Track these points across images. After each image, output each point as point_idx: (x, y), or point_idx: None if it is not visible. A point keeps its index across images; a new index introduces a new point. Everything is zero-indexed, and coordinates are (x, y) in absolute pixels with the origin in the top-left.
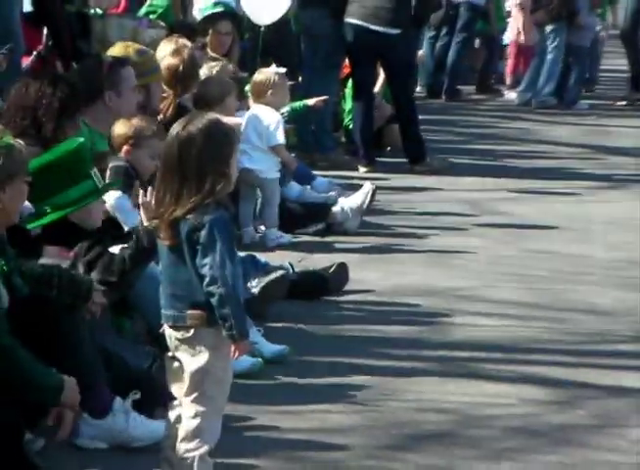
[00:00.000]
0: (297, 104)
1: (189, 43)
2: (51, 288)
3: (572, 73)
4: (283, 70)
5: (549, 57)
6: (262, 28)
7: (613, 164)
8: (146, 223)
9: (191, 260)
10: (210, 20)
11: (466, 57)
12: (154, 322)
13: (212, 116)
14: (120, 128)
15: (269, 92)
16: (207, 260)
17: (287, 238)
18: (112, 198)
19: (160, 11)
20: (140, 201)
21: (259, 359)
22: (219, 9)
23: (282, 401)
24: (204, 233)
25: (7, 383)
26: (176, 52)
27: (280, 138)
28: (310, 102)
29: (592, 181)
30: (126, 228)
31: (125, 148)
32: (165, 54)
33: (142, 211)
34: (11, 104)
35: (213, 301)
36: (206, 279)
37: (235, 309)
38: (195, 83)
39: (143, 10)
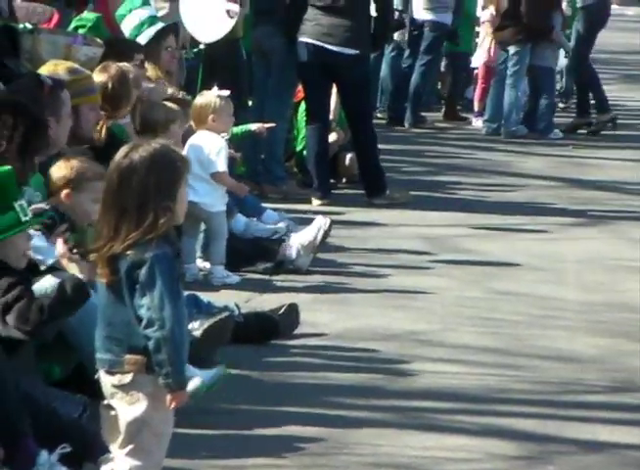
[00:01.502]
0: (239, 129)
1: (120, 64)
2: None
3: (542, 99)
4: (226, 92)
5: (508, 82)
6: (202, 46)
7: (587, 199)
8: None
9: (130, 300)
10: (157, 37)
11: (430, 81)
12: (90, 365)
13: (161, 142)
14: (59, 171)
15: (210, 117)
16: (146, 301)
17: (235, 278)
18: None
19: (89, 24)
20: (61, 250)
21: (202, 380)
22: (160, 24)
23: (225, 455)
24: (144, 271)
25: None
26: (103, 69)
27: (220, 165)
28: (253, 127)
29: (564, 217)
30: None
31: (65, 192)
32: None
33: (64, 261)
34: None
35: (150, 345)
36: (144, 321)
37: (172, 355)
38: (127, 104)
39: (72, 24)
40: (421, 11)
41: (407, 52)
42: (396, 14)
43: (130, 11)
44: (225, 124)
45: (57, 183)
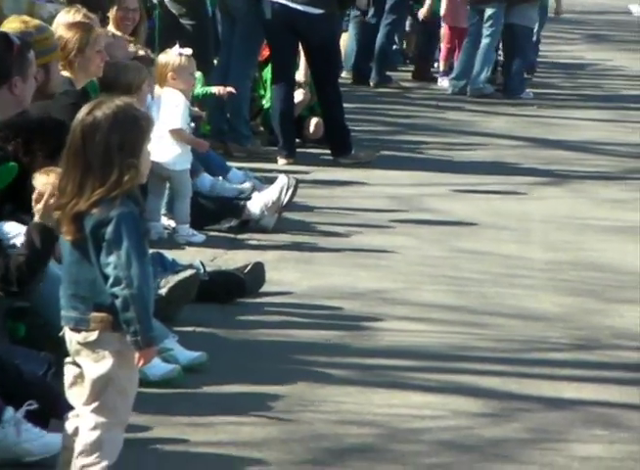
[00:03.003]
0: (200, 90)
1: (91, 15)
2: None
3: (515, 59)
4: (188, 51)
5: (485, 41)
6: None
7: (553, 159)
8: (37, 219)
9: (96, 259)
10: None
11: (395, 40)
12: (54, 324)
13: (124, 100)
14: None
15: (170, 74)
16: (112, 259)
17: (200, 237)
18: None
19: None
20: (34, 195)
21: (177, 366)
22: None
23: (190, 412)
24: (109, 229)
25: None
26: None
27: (178, 121)
28: (214, 89)
29: (530, 177)
30: None
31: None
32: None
33: (35, 206)
34: None
35: (117, 303)
36: (110, 279)
37: (141, 313)
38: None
39: None
40: None
41: (372, 10)
42: None
43: None
44: (185, 83)
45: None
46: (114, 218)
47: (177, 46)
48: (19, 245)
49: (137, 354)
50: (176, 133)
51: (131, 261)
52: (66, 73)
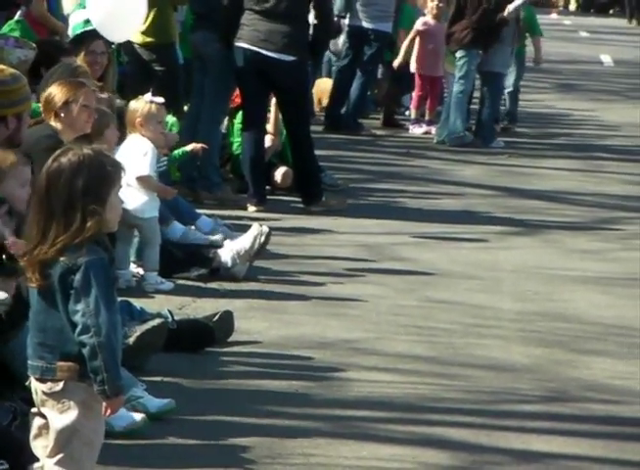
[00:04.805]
0: (177, 152)
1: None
2: None
3: (486, 107)
4: (160, 99)
5: (454, 88)
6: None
7: (522, 208)
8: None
9: (63, 306)
10: (82, 39)
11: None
12: (21, 374)
13: (94, 147)
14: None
15: (138, 120)
16: (81, 307)
17: (168, 285)
18: None
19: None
20: (9, 242)
21: (143, 416)
22: (91, 26)
23: (158, 464)
24: (78, 276)
25: None
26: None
27: (145, 168)
28: (188, 148)
29: (500, 226)
30: None
31: None
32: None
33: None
34: None
35: (85, 352)
36: (79, 327)
37: (108, 362)
38: None
39: (3, 29)
40: (363, 19)
41: (346, 58)
42: (335, 19)
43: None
44: (152, 131)
45: None
46: (83, 265)
47: (149, 94)
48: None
49: (104, 404)
50: (144, 180)
51: (100, 309)
52: (54, 124)
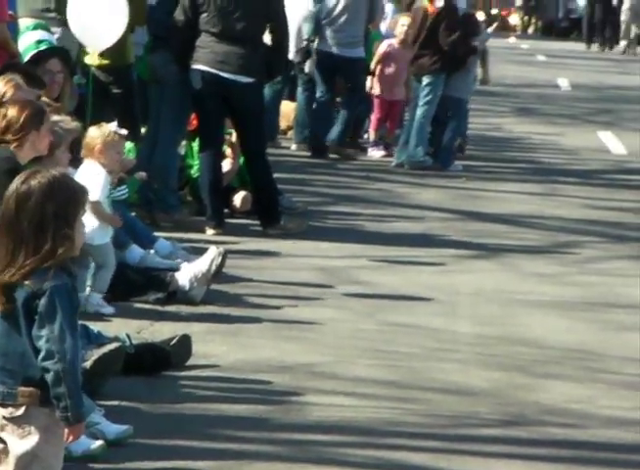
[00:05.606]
0: (131, 180)
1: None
2: None
3: (447, 131)
4: (123, 131)
5: (418, 112)
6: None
7: (481, 232)
8: None
9: (27, 331)
10: (38, 59)
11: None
12: None
13: (60, 170)
14: None
15: (97, 147)
16: (45, 332)
17: (109, 309)
18: None
19: None
20: None
21: (102, 442)
22: (44, 46)
23: None
24: (43, 301)
25: None
26: None
27: (96, 193)
28: (137, 176)
29: (459, 249)
30: None
31: None
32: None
33: None
34: None
35: (48, 377)
36: (42, 353)
37: (72, 389)
38: None
39: None
40: (333, 45)
41: (322, 87)
42: (304, 43)
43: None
44: (110, 159)
45: None
46: (48, 290)
47: (115, 123)
48: None
49: (66, 430)
50: (93, 206)
51: (65, 336)
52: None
